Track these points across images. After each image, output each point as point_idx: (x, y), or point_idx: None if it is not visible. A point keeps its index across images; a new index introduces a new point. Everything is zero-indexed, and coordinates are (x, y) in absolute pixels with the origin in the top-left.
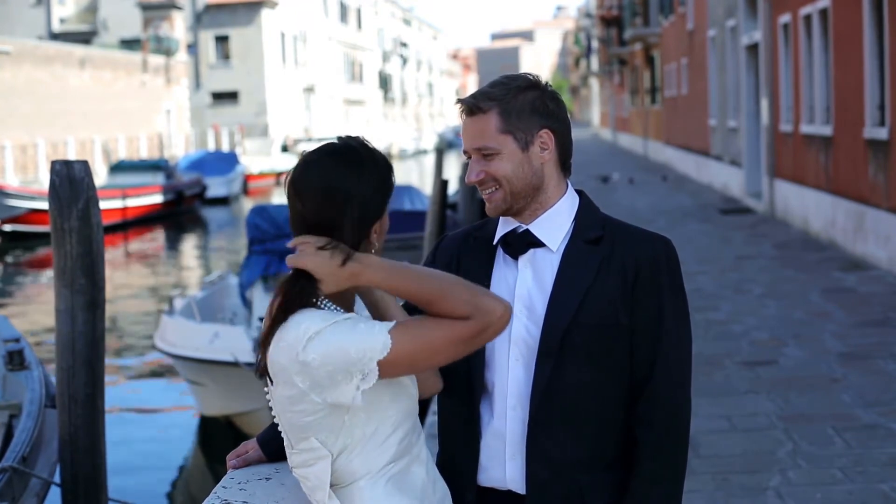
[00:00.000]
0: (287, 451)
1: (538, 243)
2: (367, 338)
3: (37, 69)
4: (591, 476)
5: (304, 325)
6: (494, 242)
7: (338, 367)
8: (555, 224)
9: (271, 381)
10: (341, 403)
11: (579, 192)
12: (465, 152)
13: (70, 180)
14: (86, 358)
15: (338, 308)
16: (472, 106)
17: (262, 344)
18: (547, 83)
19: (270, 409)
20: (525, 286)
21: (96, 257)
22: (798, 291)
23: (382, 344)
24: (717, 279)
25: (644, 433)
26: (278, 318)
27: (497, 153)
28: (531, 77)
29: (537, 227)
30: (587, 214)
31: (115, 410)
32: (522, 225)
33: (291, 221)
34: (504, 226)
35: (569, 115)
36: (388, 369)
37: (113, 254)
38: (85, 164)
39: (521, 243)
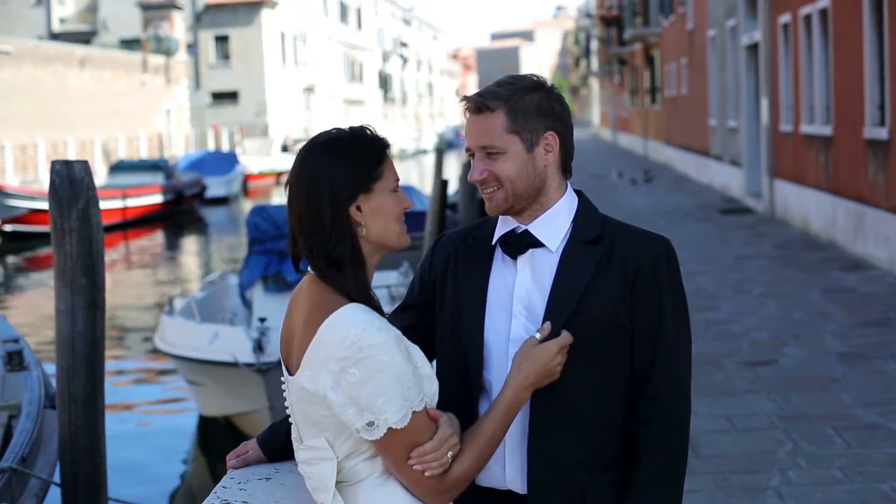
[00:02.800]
0: (295, 445)
1: (537, 243)
2: (399, 398)
3: (37, 69)
4: (592, 476)
5: (361, 328)
6: (493, 242)
7: (360, 398)
8: (554, 224)
9: (289, 371)
10: (346, 423)
11: (578, 193)
12: (467, 150)
13: (70, 180)
14: (86, 358)
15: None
16: (478, 104)
17: (289, 331)
18: (552, 85)
19: (285, 399)
20: (524, 286)
21: (96, 257)
22: (798, 291)
23: (403, 416)
24: (717, 279)
25: (644, 433)
26: (325, 305)
27: (502, 153)
28: (537, 78)
29: (536, 228)
30: (586, 214)
31: (115, 410)
32: (521, 225)
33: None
34: (503, 226)
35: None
36: (389, 438)
37: (113, 254)
38: (85, 164)
39: (521, 243)
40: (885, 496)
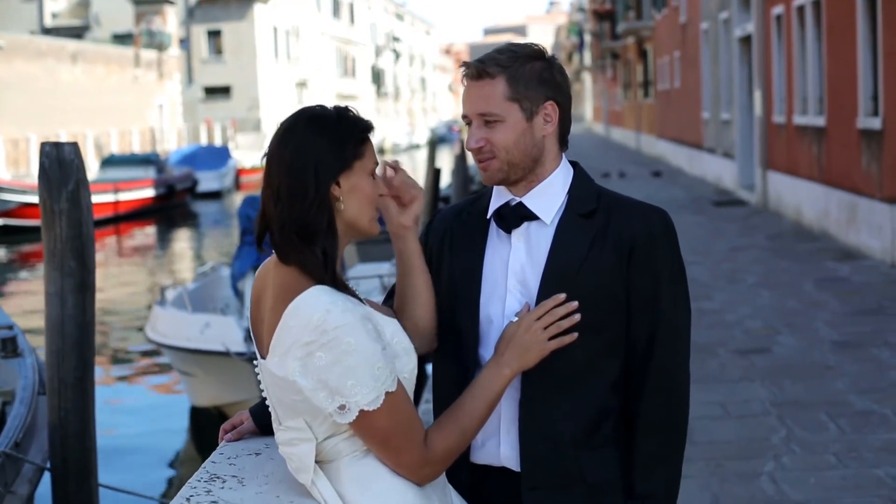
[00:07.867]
0: (274, 426)
1: (532, 216)
2: (369, 379)
3: (29, 64)
4: (590, 453)
5: (324, 310)
6: (488, 216)
7: (329, 382)
8: (548, 196)
9: (262, 355)
10: (319, 409)
11: (574, 164)
12: (464, 117)
13: (59, 162)
14: (75, 340)
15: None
16: (479, 70)
17: (257, 313)
18: (553, 55)
19: (259, 381)
20: (518, 261)
21: (86, 240)
22: (791, 281)
23: (375, 397)
24: (710, 270)
25: (643, 409)
26: (290, 288)
27: (501, 121)
28: (537, 47)
29: (531, 200)
30: (581, 186)
31: (107, 400)
32: (516, 198)
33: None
34: (497, 199)
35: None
36: (363, 420)
37: (105, 248)
38: (75, 146)
39: (515, 216)
40: (878, 481)
